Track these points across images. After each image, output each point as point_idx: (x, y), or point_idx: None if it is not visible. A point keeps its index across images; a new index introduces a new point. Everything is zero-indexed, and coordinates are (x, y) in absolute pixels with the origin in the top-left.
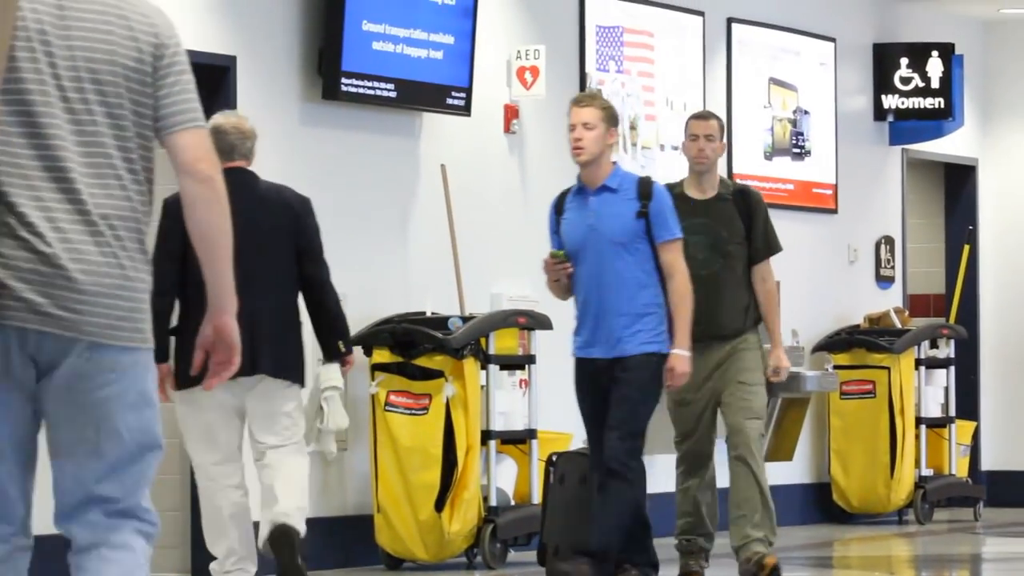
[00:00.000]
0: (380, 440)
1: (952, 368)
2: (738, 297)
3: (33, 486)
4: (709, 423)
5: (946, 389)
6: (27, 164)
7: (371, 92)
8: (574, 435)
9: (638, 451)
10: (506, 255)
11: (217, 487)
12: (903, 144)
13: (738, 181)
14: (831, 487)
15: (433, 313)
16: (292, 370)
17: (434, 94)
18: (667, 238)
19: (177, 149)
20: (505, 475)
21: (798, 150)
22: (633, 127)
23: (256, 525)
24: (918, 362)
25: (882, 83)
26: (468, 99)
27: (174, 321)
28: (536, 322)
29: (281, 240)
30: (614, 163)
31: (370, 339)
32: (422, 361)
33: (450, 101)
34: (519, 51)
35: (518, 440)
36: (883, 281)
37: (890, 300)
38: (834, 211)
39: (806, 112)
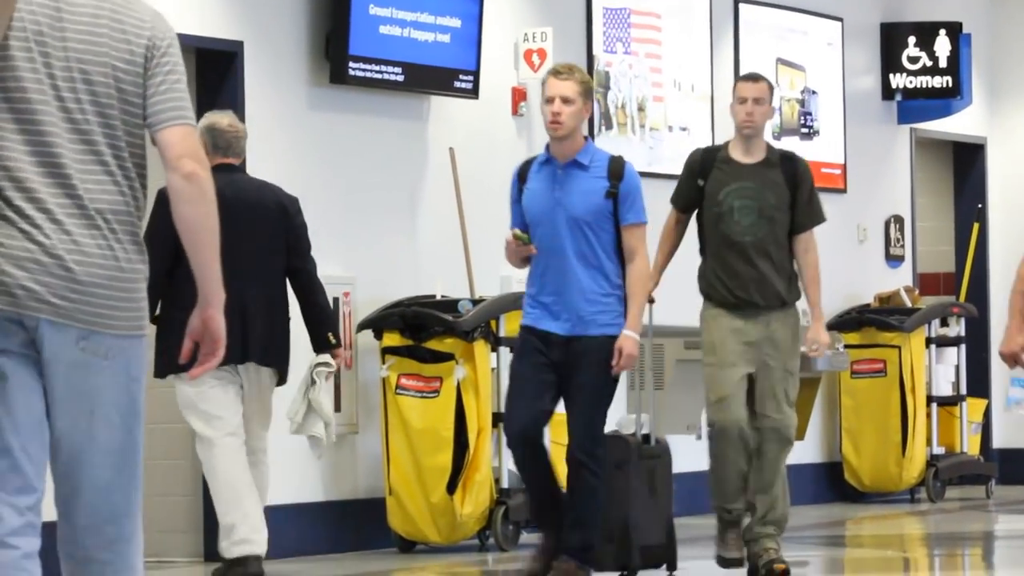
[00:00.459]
0: (391, 423)
1: (963, 346)
2: (782, 266)
3: (46, 469)
4: (747, 391)
5: (957, 367)
6: (24, 160)
7: (379, 76)
8: None
9: (602, 439)
10: None
11: (227, 456)
12: (911, 123)
13: (784, 148)
14: (843, 466)
15: (443, 296)
16: (280, 361)
17: (442, 77)
18: (633, 221)
19: (164, 145)
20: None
21: (806, 130)
22: (641, 109)
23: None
24: (928, 340)
25: (890, 62)
26: (476, 82)
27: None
28: None
29: (272, 236)
30: (586, 138)
31: (380, 323)
32: (432, 344)
33: (458, 84)
34: (526, 33)
35: None
36: (893, 260)
37: (900, 279)
38: (843, 191)
39: (814, 92)
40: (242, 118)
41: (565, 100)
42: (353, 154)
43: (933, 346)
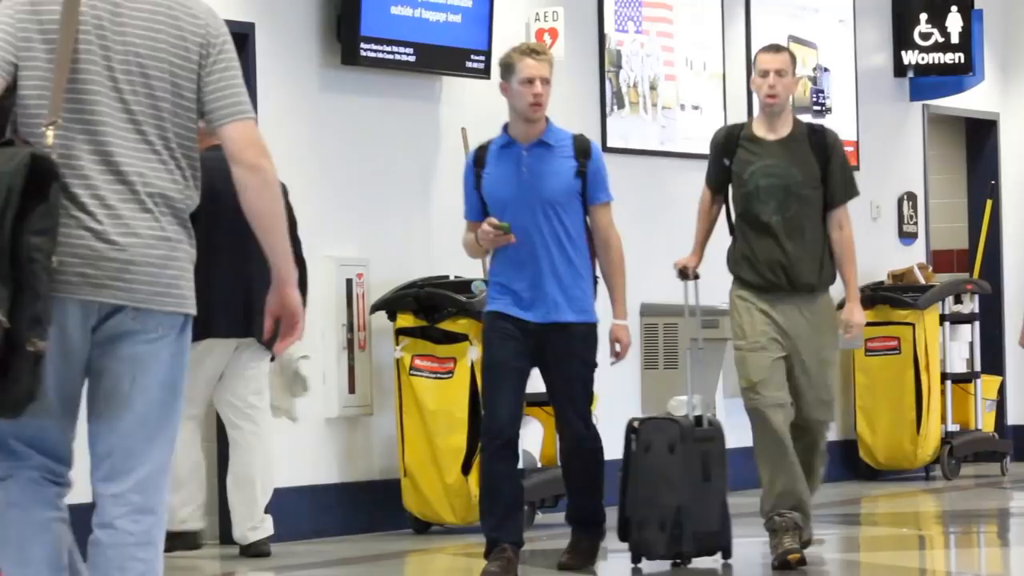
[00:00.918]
0: (406, 404)
1: (976, 323)
2: (814, 247)
3: (72, 447)
4: (784, 376)
5: (971, 344)
6: (82, 149)
7: (390, 57)
8: (599, 397)
9: (592, 421)
10: None
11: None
12: (924, 100)
13: (811, 121)
14: (857, 444)
15: (456, 277)
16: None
17: (453, 57)
18: (603, 200)
19: (226, 140)
20: (531, 437)
21: (819, 107)
22: (653, 87)
23: None
24: (942, 318)
25: (902, 39)
26: (487, 62)
27: None
28: None
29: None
30: (547, 118)
31: (394, 304)
32: (446, 325)
33: (469, 64)
34: (538, 13)
35: (543, 402)
36: (906, 237)
37: (913, 256)
38: (856, 168)
39: (826, 69)
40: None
41: (544, 81)
42: (365, 135)
43: (947, 323)
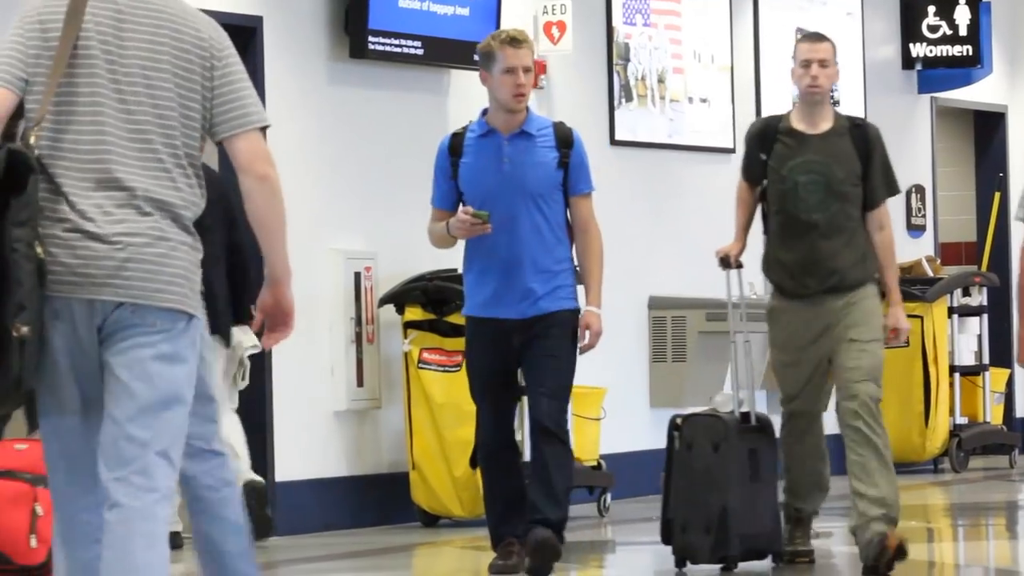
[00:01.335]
0: (414, 398)
1: (985, 316)
2: (855, 245)
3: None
4: (818, 385)
5: (979, 337)
6: (85, 160)
7: (398, 50)
8: (607, 389)
9: (567, 411)
10: None
11: None
12: (932, 92)
13: (851, 114)
14: None
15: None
16: (227, 334)
17: (461, 50)
18: (585, 191)
19: (234, 151)
20: None
21: None
22: (661, 80)
23: None
24: (951, 310)
25: (910, 31)
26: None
27: None
28: None
29: (219, 213)
30: (527, 107)
31: (402, 297)
32: (454, 318)
33: (477, 57)
34: (545, 6)
35: None
36: (914, 230)
37: (921, 249)
38: None
39: None
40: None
41: (527, 70)
42: (373, 128)
43: (955, 316)
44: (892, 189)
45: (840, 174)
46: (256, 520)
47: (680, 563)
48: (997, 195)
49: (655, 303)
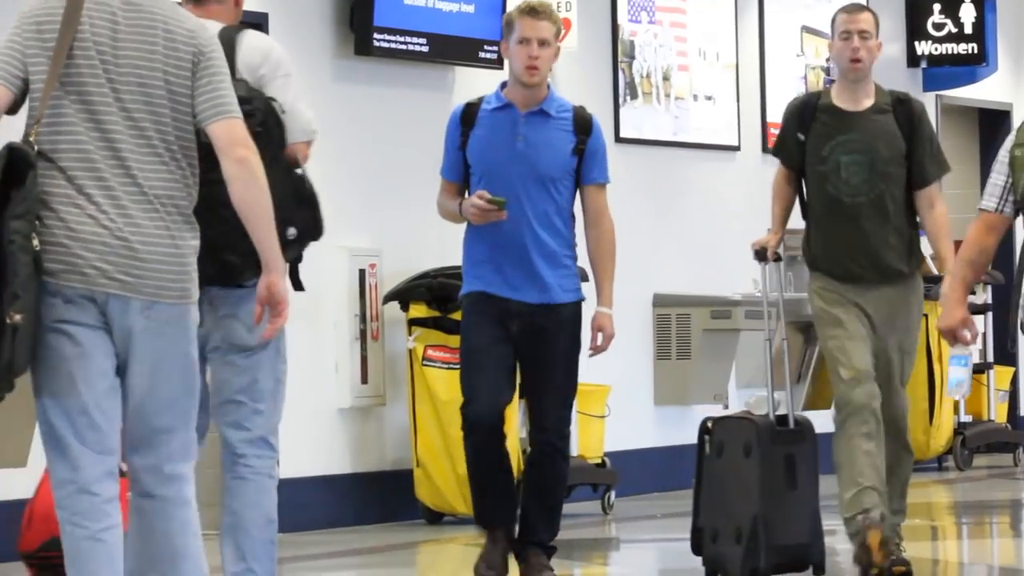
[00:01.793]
0: (418, 395)
1: (990, 314)
2: (902, 230)
3: (119, 427)
4: (884, 365)
5: (984, 335)
6: (94, 154)
7: (403, 47)
8: (612, 387)
9: (570, 418)
10: None
11: None
12: (937, 90)
13: (895, 90)
14: None
15: None
16: None
17: (466, 48)
18: (600, 180)
19: (215, 137)
20: None
21: None
22: (666, 78)
23: None
24: None
25: (915, 29)
26: (500, 52)
27: None
28: None
29: None
30: (548, 85)
31: (407, 294)
32: (459, 315)
33: (482, 55)
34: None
35: None
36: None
37: (926, 247)
38: None
39: None
40: None
41: (542, 42)
42: (378, 126)
43: None
44: (942, 167)
45: (885, 153)
46: None
47: (710, 575)
48: None
49: (660, 300)
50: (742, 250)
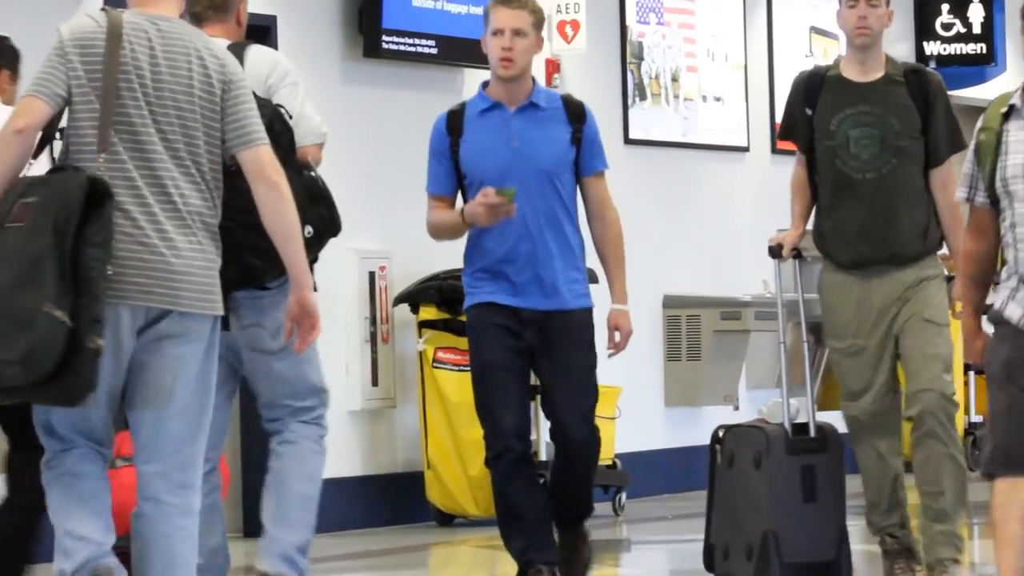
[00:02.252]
0: (429, 397)
1: None
2: (916, 208)
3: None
4: (891, 372)
5: None
6: (134, 175)
7: (412, 49)
8: (622, 389)
9: (594, 422)
10: None
11: None
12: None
13: (909, 62)
14: None
15: None
16: None
17: (475, 49)
18: (600, 168)
19: (246, 162)
20: None
21: None
22: (675, 79)
23: None
24: None
25: (923, 30)
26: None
27: None
28: None
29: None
30: (533, 78)
31: (417, 296)
32: None
33: None
34: (559, 5)
35: None
36: None
37: None
38: None
39: None
40: None
41: (517, 32)
42: (388, 128)
43: None
44: (957, 144)
45: (897, 126)
46: None
47: None
48: None
49: (669, 302)
50: (751, 251)
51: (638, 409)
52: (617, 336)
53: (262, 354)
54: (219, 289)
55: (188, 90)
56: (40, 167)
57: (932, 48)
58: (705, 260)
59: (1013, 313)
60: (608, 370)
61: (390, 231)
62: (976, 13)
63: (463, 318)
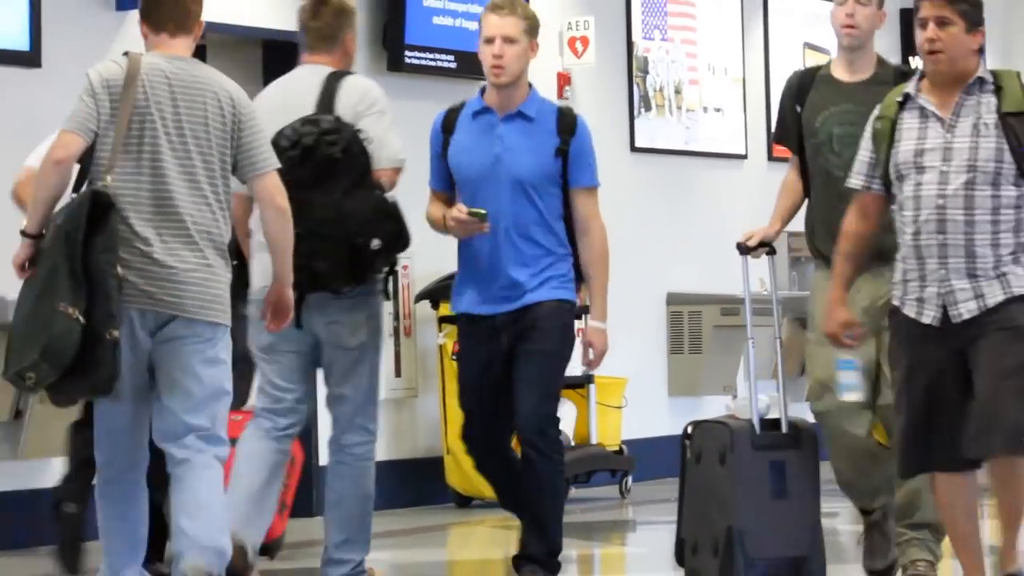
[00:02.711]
0: (448, 388)
1: None
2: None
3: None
4: (868, 365)
5: None
6: (146, 197)
7: (432, 64)
8: (628, 379)
9: (555, 417)
10: None
11: None
12: None
13: (898, 63)
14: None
15: None
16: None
17: None
18: (587, 184)
19: (257, 188)
20: (564, 418)
21: None
22: (678, 91)
23: None
24: None
25: (909, 46)
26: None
27: None
28: None
29: None
30: (530, 85)
31: (437, 294)
32: None
33: None
34: (570, 22)
35: (576, 385)
36: None
37: None
38: None
39: None
40: None
41: (507, 40)
42: (410, 137)
43: None
44: None
45: None
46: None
47: None
48: None
49: (673, 299)
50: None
51: (643, 398)
52: (591, 353)
53: (340, 349)
54: (225, 301)
55: (204, 122)
56: None
57: (918, 63)
58: (706, 260)
59: (910, 312)
60: (616, 362)
61: (412, 232)
62: None
63: None
